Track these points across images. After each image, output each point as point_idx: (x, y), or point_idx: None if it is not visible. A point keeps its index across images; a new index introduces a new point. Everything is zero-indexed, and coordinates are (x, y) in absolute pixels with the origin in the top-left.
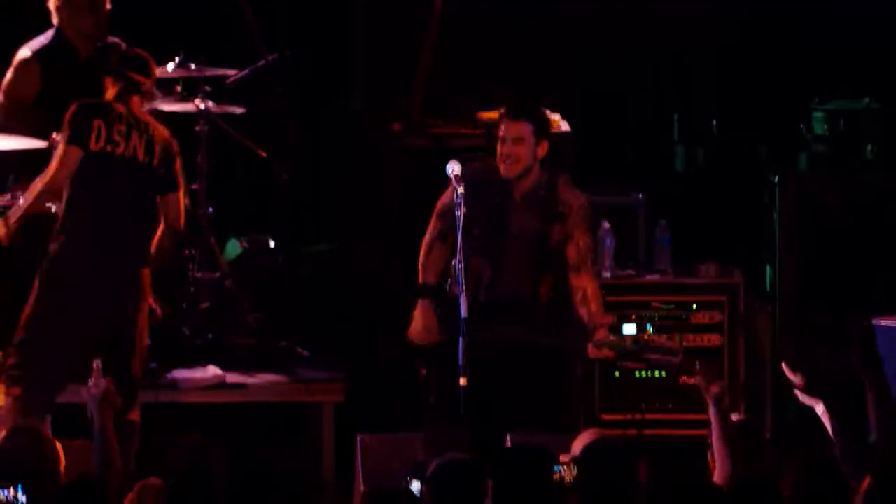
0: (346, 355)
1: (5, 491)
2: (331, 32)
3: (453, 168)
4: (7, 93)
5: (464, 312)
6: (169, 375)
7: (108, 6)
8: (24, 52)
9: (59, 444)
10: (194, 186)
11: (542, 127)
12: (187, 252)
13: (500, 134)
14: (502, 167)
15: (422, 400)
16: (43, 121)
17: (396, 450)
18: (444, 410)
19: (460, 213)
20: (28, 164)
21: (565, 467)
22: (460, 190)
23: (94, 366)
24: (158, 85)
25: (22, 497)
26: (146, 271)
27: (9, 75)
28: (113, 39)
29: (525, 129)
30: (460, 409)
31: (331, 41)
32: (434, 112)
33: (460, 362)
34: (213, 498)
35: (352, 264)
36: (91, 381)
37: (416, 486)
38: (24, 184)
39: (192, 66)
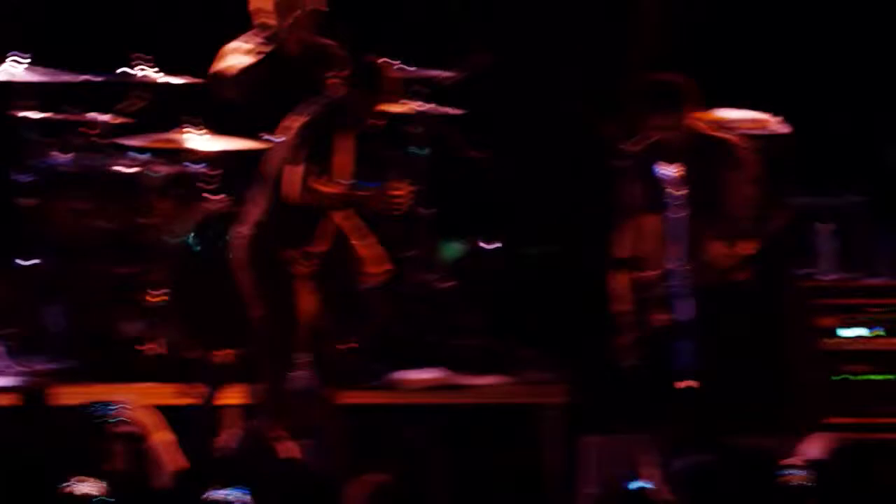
0: (569, 356)
1: (230, 492)
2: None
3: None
4: (229, 94)
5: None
6: (393, 376)
7: (311, 7)
8: (232, 53)
9: (291, 445)
10: (415, 187)
11: None
12: (408, 254)
13: None
14: None
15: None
16: (253, 119)
17: (621, 451)
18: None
19: None
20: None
21: (796, 471)
22: None
23: (305, 362)
24: None
25: (247, 498)
26: None
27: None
28: (324, 40)
29: None
30: (685, 410)
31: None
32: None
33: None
34: (435, 498)
35: (574, 265)
36: (302, 377)
37: (638, 485)
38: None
39: (411, 67)
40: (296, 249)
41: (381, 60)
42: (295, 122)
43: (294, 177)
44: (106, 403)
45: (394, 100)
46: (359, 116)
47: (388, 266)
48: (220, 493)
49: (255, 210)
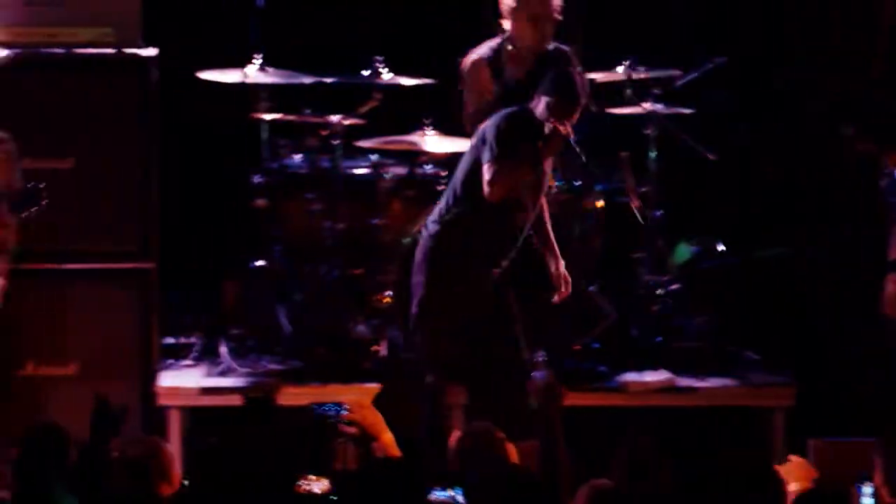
0: (796, 359)
1: (446, 492)
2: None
3: None
4: (469, 99)
5: None
6: (619, 378)
7: (557, 17)
8: (472, 58)
9: (511, 445)
10: (644, 189)
11: None
12: (636, 255)
13: None
14: None
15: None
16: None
17: (849, 455)
18: None
19: None
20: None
21: None
22: None
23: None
24: (605, 89)
25: (461, 499)
26: None
27: (465, 81)
28: (562, 48)
29: None
30: None
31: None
32: None
33: None
34: (659, 501)
35: (804, 269)
36: (538, 374)
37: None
38: None
39: (641, 68)
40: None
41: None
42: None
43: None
44: (333, 404)
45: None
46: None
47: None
48: (442, 494)
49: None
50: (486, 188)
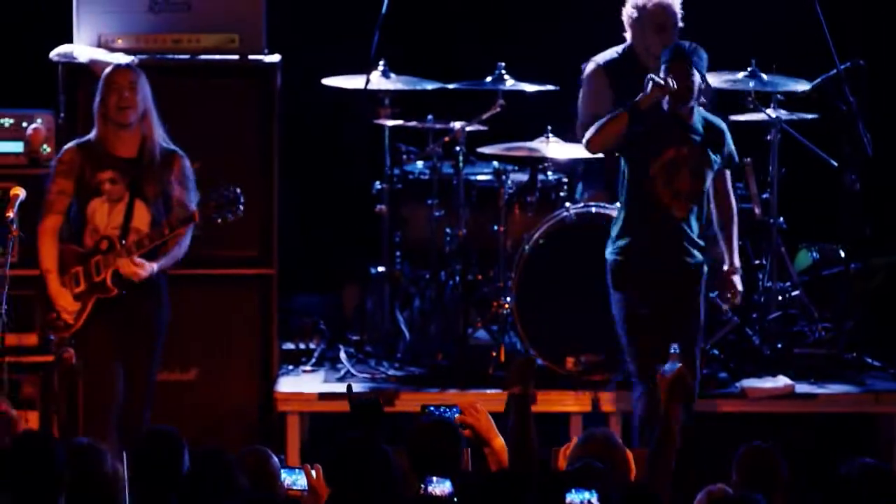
0: None
1: (582, 492)
2: None
3: None
4: (582, 108)
5: None
6: (738, 384)
7: (678, 25)
8: (592, 65)
9: (628, 452)
10: (765, 196)
11: None
12: (758, 261)
13: None
14: None
15: None
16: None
17: None
18: None
19: None
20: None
21: None
22: None
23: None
24: (728, 95)
25: (596, 502)
26: None
27: (581, 90)
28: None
29: None
30: None
31: None
32: None
33: None
34: None
35: None
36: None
37: None
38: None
39: (764, 76)
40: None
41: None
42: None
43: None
44: (447, 407)
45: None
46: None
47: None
48: (578, 496)
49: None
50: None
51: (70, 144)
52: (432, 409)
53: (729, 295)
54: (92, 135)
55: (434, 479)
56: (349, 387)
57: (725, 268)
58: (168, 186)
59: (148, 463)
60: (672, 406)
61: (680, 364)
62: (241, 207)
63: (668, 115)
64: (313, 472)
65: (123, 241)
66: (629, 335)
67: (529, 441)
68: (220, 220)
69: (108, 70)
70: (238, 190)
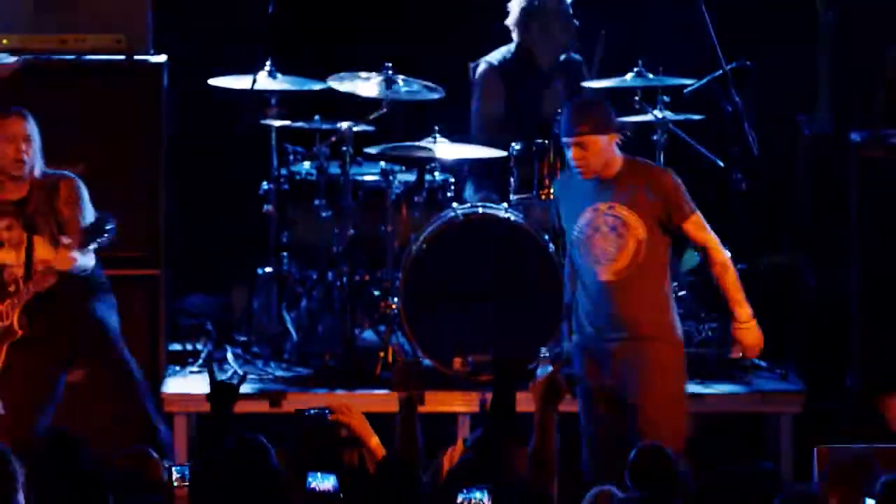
0: (804, 366)
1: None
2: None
3: None
4: (480, 112)
5: None
6: None
7: (569, 26)
8: (484, 66)
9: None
10: None
11: None
12: None
13: None
14: None
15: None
16: (506, 132)
17: (856, 463)
18: None
19: None
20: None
21: None
22: None
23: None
24: (614, 96)
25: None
26: None
27: (475, 91)
28: (574, 57)
29: None
30: None
31: (794, 53)
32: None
33: None
34: None
35: (810, 276)
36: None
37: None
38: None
39: (650, 75)
40: None
41: None
42: None
43: None
44: (318, 408)
45: None
46: None
47: None
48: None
49: None
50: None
51: None
52: (307, 411)
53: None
54: None
55: (318, 474)
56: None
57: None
58: (59, 213)
59: (49, 463)
60: (547, 408)
61: (551, 368)
62: (109, 233)
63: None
64: None
65: (27, 280)
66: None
67: (414, 442)
68: (93, 246)
69: (2, 115)
70: (110, 217)
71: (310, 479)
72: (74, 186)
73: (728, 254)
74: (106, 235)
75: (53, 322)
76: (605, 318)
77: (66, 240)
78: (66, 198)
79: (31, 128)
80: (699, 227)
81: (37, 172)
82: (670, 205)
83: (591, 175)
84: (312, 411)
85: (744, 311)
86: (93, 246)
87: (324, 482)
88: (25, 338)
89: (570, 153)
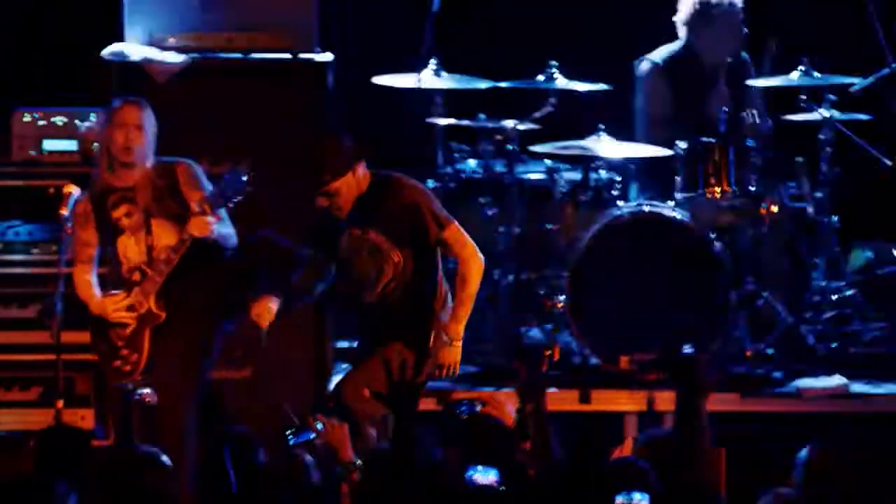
0: None
1: (632, 495)
2: None
3: None
4: (644, 111)
5: None
6: (793, 384)
7: (743, 31)
8: (648, 64)
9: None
10: (818, 195)
11: None
12: (812, 260)
13: None
14: None
15: None
16: (671, 131)
17: None
18: None
19: None
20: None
21: None
22: None
23: None
24: (780, 95)
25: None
26: None
27: (640, 92)
28: (742, 57)
29: None
30: None
31: None
32: None
33: None
34: None
35: None
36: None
37: None
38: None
39: (816, 74)
40: None
41: None
42: None
43: None
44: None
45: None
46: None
47: None
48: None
49: None
50: None
51: (79, 195)
52: (459, 406)
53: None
54: (96, 172)
55: (478, 467)
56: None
57: None
58: (181, 196)
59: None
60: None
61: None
62: (245, 181)
63: None
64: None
65: (152, 265)
66: None
67: (550, 452)
68: (228, 205)
69: (115, 106)
70: (243, 168)
71: (470, 472)
72: (191, 169)
73: (482, 265)
74: (233, 191)
75: (192, 301)
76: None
77: (196, 207)
78: (185, 181)
79: (144, 117)
80: (456, 237)
81: (148, 163)
82: (421, 221)
83: (346, 213)
84: (464, 406)
85: (458, 329)
86: (224, 209)
87: (485, 476)
88: (168, 321)
89: (319, 202)
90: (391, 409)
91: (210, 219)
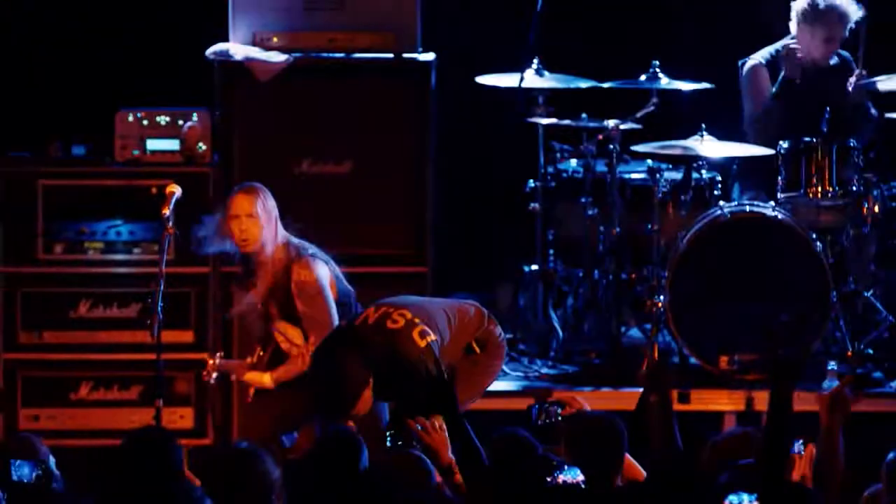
0: None
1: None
2: None
3: None
4: (750, 106)
5: None
6: (893, 384)
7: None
8: (752, 63)
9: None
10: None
11: None
12: None
13: None
14: None
15: None
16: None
17: None
18: None
19: None
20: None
21: None
22: None
23: None
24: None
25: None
26: None
27: (745, 93)
28: (845, 57)
29: None
30: None
31: None
32: None
33: None
34: None
35: None
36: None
37: None
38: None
39: None
40: None
41: None
42: None
43: None
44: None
45: None
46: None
47: None
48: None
49: None
50: None
51: None
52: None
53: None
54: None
55: (564, 466)
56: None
57: None
58: (293, 302)
59: (328, 463)
60: (834, 421)
61: (838, 381)
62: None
63: None
64: None
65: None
66: None
67: (673, 442)
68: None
69: (230, 196)
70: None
71: (557, 471)
72: (304, 278)
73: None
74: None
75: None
76: None
77: (304, 341)
78: (297, 291)
79: (255, 204)
80: None
81: (268, 250)
82: None
83: None
84: (545, 407)
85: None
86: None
87: (570, 474)
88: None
89: None
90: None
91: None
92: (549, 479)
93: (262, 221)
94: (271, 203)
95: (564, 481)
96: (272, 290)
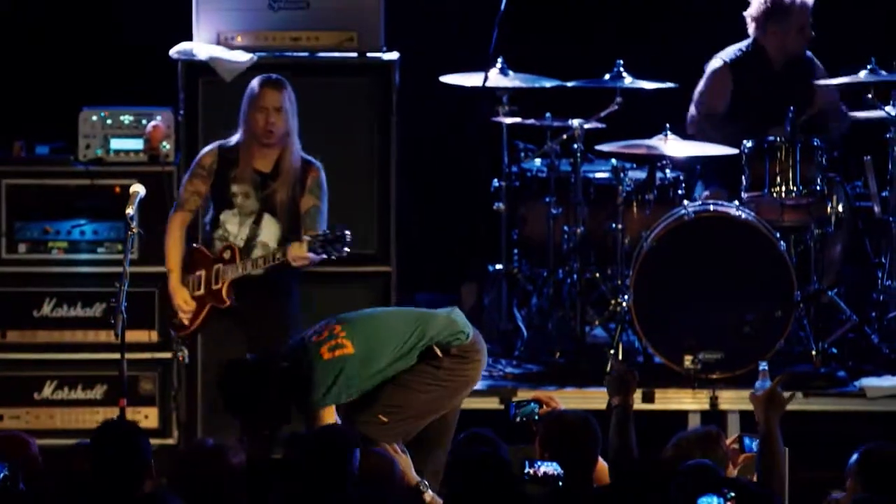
0: None
1: (712, 498)
2: None
3: None
4: (699, 103)
5: None
6: (857, 383)
7: (811, 32)
8: (717, 62)
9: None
10: (884, 193)
11: None
12: (877, 260)
13: None
14: None
15: None
16: (734, 129)
17: None
18: None
19: None
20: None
21: None
22: None
23: None
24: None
25: None
26: None
27: (700, 85)
28: (808, 55)
29: None
30: None
31: None
32: None
33: None
34: None
35: None
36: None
37: None
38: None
39: (883, 72)
40: None
41: None
42: None
43: None
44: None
45: None
46: None
47: None
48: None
49: None
50: None
51: (212, 147)
52: (512, 407)
53: None
54: (234, 140)
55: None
56: None
57: None
58: (298, 198)
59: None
60: (770, 419)
61: (770, 382)
62: (347, 249)
63: None
64: None
65: (246, 256)
66: None
67: (630, 450)
68: (325, 256)
69: (257, 84)
70: (347, 232)
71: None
72: (319, 179)
73: None
74: (340, 249)
75: (256, 304)
76: None
77: (306, 237)
78: (311, 188)
79: (284, 98)
80: None
81: (294, 151)
82: None
83: None
84: (522, 405)
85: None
86: (325, 256)
87: (550, 466)
88: (228, 309)
89: None
90: None
91: (311, 256)
92: (528, 471)
93: (288, 115)
94: (294, 97)
95: (545, 473)
96: (281, 190)
